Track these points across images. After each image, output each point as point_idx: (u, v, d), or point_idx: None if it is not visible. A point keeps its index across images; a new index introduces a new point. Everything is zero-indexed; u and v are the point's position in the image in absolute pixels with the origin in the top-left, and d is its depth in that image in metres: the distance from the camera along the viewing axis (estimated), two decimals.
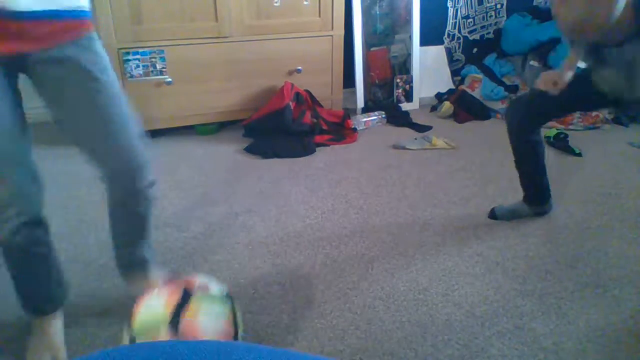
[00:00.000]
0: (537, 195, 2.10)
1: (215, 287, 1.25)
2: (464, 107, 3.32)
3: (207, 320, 1.17)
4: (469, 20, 3.71)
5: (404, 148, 2.84)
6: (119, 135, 1.28)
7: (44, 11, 1.11)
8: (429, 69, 3.57)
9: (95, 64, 1.23)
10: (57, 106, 1.24)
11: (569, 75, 1.75)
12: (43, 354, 1.39)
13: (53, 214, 2.13)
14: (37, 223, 1.33)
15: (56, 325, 1.45)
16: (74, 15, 1.19)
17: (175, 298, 1.19)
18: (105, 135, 1.27)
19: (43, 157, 2.73)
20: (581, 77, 1.76)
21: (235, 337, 1.21)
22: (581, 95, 1.78)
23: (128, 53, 2.60)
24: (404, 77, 3.43)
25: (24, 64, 1.17)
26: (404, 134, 3.04)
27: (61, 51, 1.17)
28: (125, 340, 1.18)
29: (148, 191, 1.38)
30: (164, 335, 1.13)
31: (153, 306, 1.20)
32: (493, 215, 2.13)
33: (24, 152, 1.25)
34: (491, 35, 3.78)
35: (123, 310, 1.60)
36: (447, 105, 3.31)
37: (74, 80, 1.21)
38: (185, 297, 1.19)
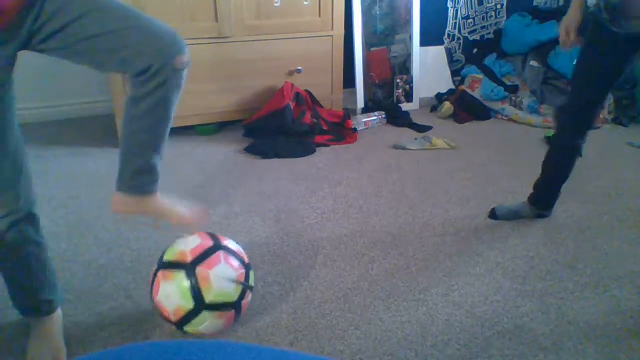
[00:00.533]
0: (546, 199, 2.09)
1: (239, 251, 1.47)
2: (464, 107, 3.32)
3: (219, 274, 1.36)
4: (469, 21, 3.71)
5: (404, 148, 2.84)
6: (141, 21, 1.14)
7: None
8: (429, 69, 3.57)
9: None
10: (77, 29, 1.10)
11: (578, 16, 1.71)
12: (43, 355, 1.39)
13: (53, 214, 2.13)
14: (29, 220, 1.31)
15: (55, 325, 1.45)
16: None
17: (204, 246, 1.39)
18: (132, 26, 1.13)
19: (43, 157, 2.74)
20: (596, 41, 1.70)
21: (244, 289, 1.41)
22: (610, 59, 1.69)
23: None
24: (404, 77, 3.43)
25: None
26: (404, 134, 3.04)
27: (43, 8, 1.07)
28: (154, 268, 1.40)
29: (183, 72, 1.22)
30: (182, 275, 1.34)
31: (181, 246, 1.41)
32: (493, 215, 2.13)
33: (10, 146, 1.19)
34: (491, 36, 3.77)
35: (123, 310, 1.60)
36: (447, 105, 3.31)
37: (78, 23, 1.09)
38: (213, 249, 1.40)
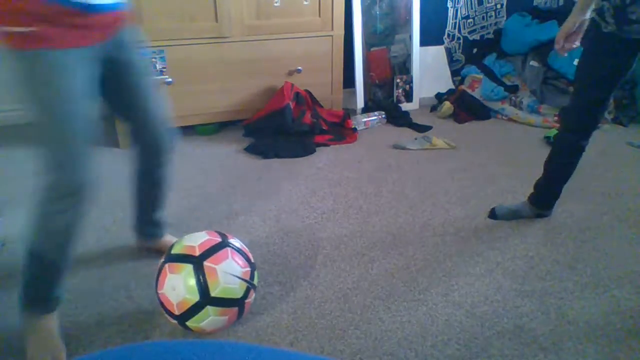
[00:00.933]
0: (547, 199, 2.09)
1: (245, 249, 1.51)
2: (464, 107, 3.32)
3: (226, 270, 1.39)
4: (469, 21, 3.71)
5: (404, 148, 2.84)
6: (161, 108, 1.53)
7: (114, 4, 1.26)
8: (429, 69, 3.57)
9: (139, 46, 1.42)
10: (123, 85, 1.41)
11: (580, 19, 1.72)
12: (44, 354, 1.39)
13: None
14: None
15: (55, 324, 1.44)
16: (126, 7, 1.33)
17: (212, 242, 1.43)
18: (154, 107, 1.50)
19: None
20: (597, 44, 1.70)
21: (249, 288, 1.45)
22: (613, 60, 1.70)
23: None
24: (404, 77, 3.43)
25: (103, 53, 1.30)
26: (404, 134, 3.04)
27: (122, 36, 1.34)
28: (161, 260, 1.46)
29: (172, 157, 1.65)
30: (189, 268, 1.37)
31: (189, 241, 1.44)
32: (493, 215, 2.13)
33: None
34: (491, 35, 3.77)
35: (123, 310, 1.60)
36: (447, 105, 3.32)
37: (136, 61, 1.41)
38: (221, 245, 1.43)
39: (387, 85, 3.41)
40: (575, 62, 3.24)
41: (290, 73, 3.00)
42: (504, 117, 3.32)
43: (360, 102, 3.33)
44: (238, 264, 1.43)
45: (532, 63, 3.34)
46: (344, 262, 1.86)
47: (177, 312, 1.38)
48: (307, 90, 3.02)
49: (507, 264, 1.85)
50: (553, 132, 2.92)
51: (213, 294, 1.35)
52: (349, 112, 3.19)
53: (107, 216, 2.12)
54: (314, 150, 2.78)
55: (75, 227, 1.34)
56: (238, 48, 2.84)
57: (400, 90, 3.44)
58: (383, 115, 3.22)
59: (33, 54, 1.15)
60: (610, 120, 3.20)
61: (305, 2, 2.89)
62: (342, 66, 3.12)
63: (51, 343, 1.41)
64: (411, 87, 3.46)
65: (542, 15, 3.50)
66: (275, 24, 2.87)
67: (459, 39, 3.74)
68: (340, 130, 2.99)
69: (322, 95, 3.10)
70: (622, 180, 2.49)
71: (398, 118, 3.24)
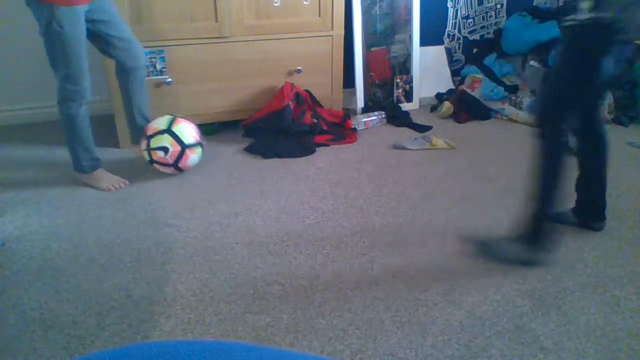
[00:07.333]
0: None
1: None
2: (464, 107, 3.32)
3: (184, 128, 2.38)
4: (468, 21, 3.71)
5: (404, 148, 2.84)
6: (133, 42, 2.34)
7: None
8: (429, 69, 3.57)
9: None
10: (111, 30, 2.22)
11: None
12: (112, 180, 2.34)
13: (54, 214, 2.13)
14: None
15: (105, 174, 2.37)
16: None
17: (167, 118, 2.39)
18: (134, 40, 2.33)
19: (44, 157, 2.74)
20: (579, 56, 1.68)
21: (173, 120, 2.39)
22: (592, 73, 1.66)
23: None
24: (404, 77, 3.43)
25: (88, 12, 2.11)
26: (404, 134, 3.04)
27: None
28: (143, 145, 2.40)
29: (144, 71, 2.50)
30: (167, 137, 2.33)
31: (159, 122, 2.39)
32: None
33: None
34: (491, 36, 3.77)
35: (123, 310, 1.60)
36: (447, 105, 3.31)
37: (114, 13, 2.24)
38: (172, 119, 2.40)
39: (387, 85, 3.41)
40: None
41: (290, 73, 3.00)
42: (504, 117, 3.32)
43: (360, 102, 3.33)
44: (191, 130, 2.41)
45: (532, 63, 3.34)
46: (344, 262, 1.86)
47: (171, 161, 2.35)
48: (307, 90, 3.01)
49: (507, 264, 1.84)
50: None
51: (174, 129, 2.35)
52: (349, 112, 3.19)
53: (107, 216, 2.12)
54: (314, 150, 2.78)
55: (78, 116, 2.19)
56: (238, 48, 2.84)
57: (400, 90, 3.44)
58: (383, 115, 3.22)
59: (50, 6, 1.96)
60: (611, 120, 3.20)
61: (305, 2, 2.89)
62: (342, 66, 3.12)
63: (111, 177, 2.36)
64: (411, 87, 3.46)
65: (542, 15, 3.49)
66: (275, 24, 2.87)
67: (459, 39, 3.74)
68: (340, 130, 2.99)
69: (322, 95, 3.10)
70: (622, 180, 2.48)
71: (398, 118, 3.24)
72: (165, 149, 2.30)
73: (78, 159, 2.30)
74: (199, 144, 2.41)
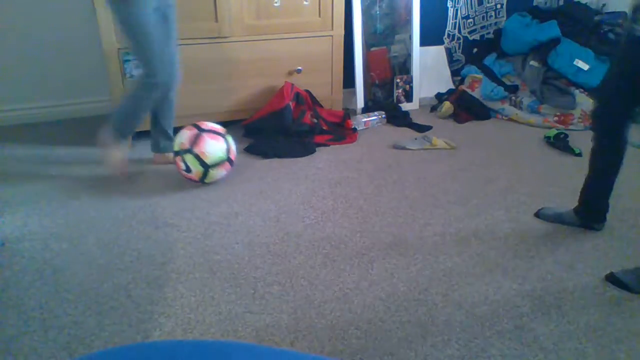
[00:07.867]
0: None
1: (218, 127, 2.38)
2: (464, 107, 3.32)
3: (211, 149, 2.28)
4: (469, 21, 3.71)
5: (404, 148, 2.84)
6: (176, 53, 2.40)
7: None
8: (429, 69, 3.57)
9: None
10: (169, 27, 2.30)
11: None
12: (121, 166, 2.38)
13: (54, 214, 2.13)
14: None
15: (125, 150, 2.41)
16: None
17: (192, 134, 2.29)
18: (174, 51, 2.37)
19: (44, 157, 2.74)
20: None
21: (228, 147, 2.36)
22: None
23: (128, 53, 2.60)
24: (404, 77, 3.43)
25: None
26: (404, 134, 3.04)
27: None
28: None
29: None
30: (190, 157, 2.27)
31: (178, 141, 2.32)
32: (537, 214, 2.14)
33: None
34: (491, 35, 3.77)
35: (123, 310, 1.60)
36: (447, 105, 3.31)
37: (172, 16, 2.31)
38: (199, 133, 2.30)
39: (387, 85, 3.41)
40: (576, 62, 3.25)
41: (290, 73, 3.00)
42: (504, 117, 3.32)
43: (360, 102, 3.33)
44: (213, 140, 2.30)
45: (532, 63, 3.34)
46: (344, 262, 1.86)
47: (197, 179, 2.33)
48: (307, 90, 3.02)
49: (507, 264, 1.85)
50: (553, 132, 2.92)
51: (209, 163, 2.27)
52: (349, 112, 3.19)
53: (107, 216, 2.12)
54: (314, 150, 2.78)
55: (149, 104, 2.32)
56: (238, 48, 2.84)
57: (400, 90, 3.44)
58: (383, 115, 3.22)
59: (126, 3, 2.06)
60: None
61: (305, 2, 2.89)
62: (342, 66, 3.12)
63: (124, 163, 2.39)
64: (411, 87, 3.46)
65: (542, 15, 3.49)
66: (275, 24, 2.87)
67: (459, 39, 3.74)
68: (340, 130, 2.99)
69: (322, 95, 3.10)
70: (622, 180, 2.48)
71: (398, 118, 3.24)
72: (188, 169, 2.29)
73: (123, 124, 2.33)
74: (225, 160, 2.33)
